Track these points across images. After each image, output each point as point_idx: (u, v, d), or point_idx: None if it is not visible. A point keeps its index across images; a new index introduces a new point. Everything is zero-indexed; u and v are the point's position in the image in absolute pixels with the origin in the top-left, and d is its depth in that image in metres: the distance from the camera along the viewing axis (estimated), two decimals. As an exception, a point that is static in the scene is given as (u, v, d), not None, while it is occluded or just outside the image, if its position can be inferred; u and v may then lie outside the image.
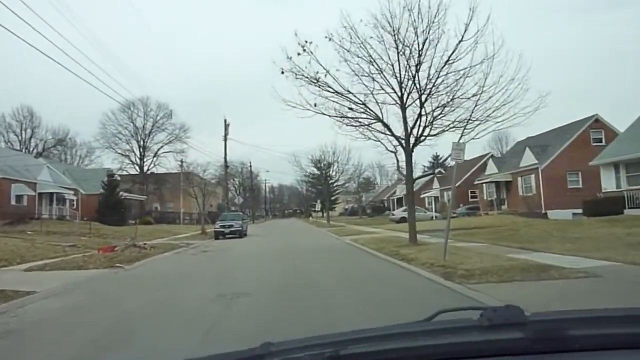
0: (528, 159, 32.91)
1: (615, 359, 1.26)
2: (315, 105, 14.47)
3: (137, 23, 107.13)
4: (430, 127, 15.37)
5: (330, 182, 47.13)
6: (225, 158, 43.69)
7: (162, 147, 71.64)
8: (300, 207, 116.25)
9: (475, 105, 14.41)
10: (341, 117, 15.65)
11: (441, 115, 14.76)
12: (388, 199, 73.94)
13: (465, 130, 15.01)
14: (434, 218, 38.89)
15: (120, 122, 70.39)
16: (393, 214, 40.74)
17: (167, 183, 69.31)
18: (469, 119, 14.60)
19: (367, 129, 16.18)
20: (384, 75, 15.23)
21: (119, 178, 50.67)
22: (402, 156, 16.82)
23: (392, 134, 15.74)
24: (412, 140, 15.88)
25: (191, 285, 9.83)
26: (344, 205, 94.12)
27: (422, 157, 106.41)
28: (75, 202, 45.31)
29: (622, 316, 1.44)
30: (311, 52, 14.32)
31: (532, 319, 1.31)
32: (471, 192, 45.95)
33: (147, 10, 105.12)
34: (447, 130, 15.19)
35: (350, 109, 14.86)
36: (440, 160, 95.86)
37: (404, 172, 17.19)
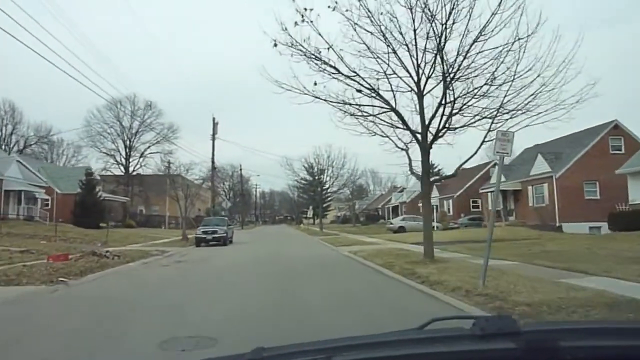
0: (540, 166, 30.40)
1: None
2: (315, 84, 11.63)
3: (129, 22, 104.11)
4: (450, 118, 12.60)
5: (323, 187, 44.25)
6: (212, 158, 40.79)
7: (149, 147, 68.66)
8: (291, 214, 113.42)
9: (506, 95, 11.73)
10: (344, 104, 12.84)
11: (468, 105, 11.97)
12: (383, 208, 71.32)
13: (492, 125, 12.35)
14: (436, 228, 36.15)
15: (106, 120, 67.40)
16: (391, 223, 38.00)
17: (153, 185, 66.45)
18: (500, 109, 11.88)
19: (376, 119, 13.38)
20: (398, 56, 12.49)
21: (98, 177, 47.50)
22: (415, 154, 14.10)
23: (407, 127, 12.95)
24: (429, 135, 13.16)
25: (137, 319, 6.92)
26: (335, 212, 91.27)
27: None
28: (49, 202, 42.03)
29: (614, 328, 1.49)
30: (311, 22, 11.55)
31: (525, 329, 1.31)
32: (473, 202, 43.36)
33: (142, 10, 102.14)
34: (473, 123, 12.46)
35: (359, 91, 12.02)
36: (436, 169, 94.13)
37: (417, 173, 14.38)
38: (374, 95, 12.24)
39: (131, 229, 44.76)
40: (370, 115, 13.21)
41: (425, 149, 13.15)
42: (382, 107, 12.94)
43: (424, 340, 1.34)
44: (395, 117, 13.12)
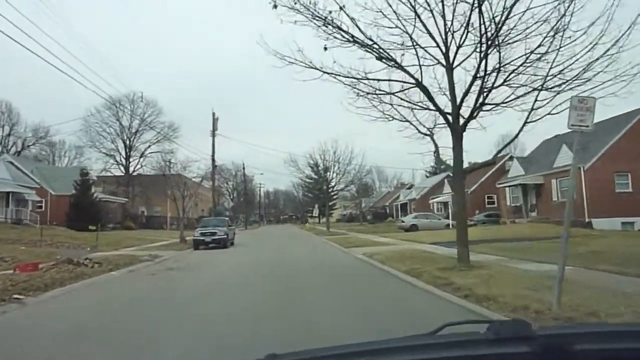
0: (565, 157, 28.06)
1: None
2: (325, 49, 9.43)
3: (126, 17, 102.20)
4: (489, 93, 10.38)
5: (329, 185, 42.08)
6: (213, 156, 38.74)
7: (149, 146, 66.89)
8: (295, 213, 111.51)
9: (551, 67, 9.50)
10: (358, 80, 10.65)
11: (518, 72, 9.69)
12: (390, 205, 69.08)
13: (536, 103, 10.12)
14: (451, 226, 33.94)
15: (105, 120, 65.77)
16: (402, 221, 35.76)
17: (155, 185, 64.76)
18: (545, 82, 9.63)
19: (394, 99, 11.18)
20: (422, 21, 10.29)
21: (94, 178, 45.52)
22: (441, 140, 11.93)
23: (436, 105, 10.74)
24: (461, 118, 10.98)
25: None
26: (340, 211, 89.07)
27: (426, 159, 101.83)
28: (42, 204, 40.10)
29: (629, 331, 1.47)
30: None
31: (539, 333, 1.31)
32: (488, 198, 41.08)
33: (140, 7, 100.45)
34: (517, 99, 10.23)
35: (380, 59, 9.78)
36: (442, 166, 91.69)
37: (446, 161, 12.15)
38: (395, 65, 10.02)
39: (130, 231, 42.86)
40: (389, 94, 11.03)
41: (458, 133, 10.94)
42: (404, 83, 10.75)
43: (438, 345, 1.32)
44: (417, 98, 11.00)
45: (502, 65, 9.61)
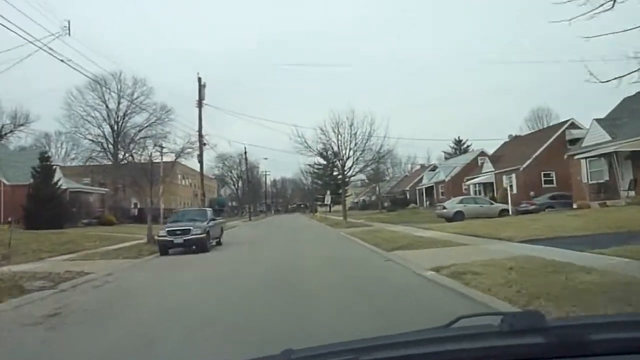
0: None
1: None
2: None
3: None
4: None
5: (344, 165, 34.17)
6: (200, 131, 31.01)
7: (139, 130, 59.33)
8: (304, 201, 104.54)
9: None
10: None
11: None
12: (412, 190, 61.12)
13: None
14: (510, 212, 25.98)
15: (88, 102, 58.29)
16: (444, 207, 27.71)
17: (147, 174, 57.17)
18: None
19: None
20: None
21: (59, 164, 38.08)
22: None
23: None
24: None
25: None
26: (352, 198, 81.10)
27: (441, 143, 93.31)
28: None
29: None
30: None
31: (553, 325, 1.31)
32: (545, 176, 32.98)
33: None
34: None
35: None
36: (464, 146, 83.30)
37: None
38: None
39: (104, 227, 35.64)
40: None
41: None
42: None
43: (452, 338, 1.32)
44: None
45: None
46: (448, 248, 12.75)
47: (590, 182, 25.19)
